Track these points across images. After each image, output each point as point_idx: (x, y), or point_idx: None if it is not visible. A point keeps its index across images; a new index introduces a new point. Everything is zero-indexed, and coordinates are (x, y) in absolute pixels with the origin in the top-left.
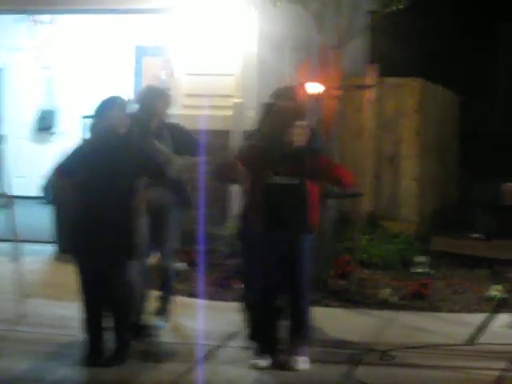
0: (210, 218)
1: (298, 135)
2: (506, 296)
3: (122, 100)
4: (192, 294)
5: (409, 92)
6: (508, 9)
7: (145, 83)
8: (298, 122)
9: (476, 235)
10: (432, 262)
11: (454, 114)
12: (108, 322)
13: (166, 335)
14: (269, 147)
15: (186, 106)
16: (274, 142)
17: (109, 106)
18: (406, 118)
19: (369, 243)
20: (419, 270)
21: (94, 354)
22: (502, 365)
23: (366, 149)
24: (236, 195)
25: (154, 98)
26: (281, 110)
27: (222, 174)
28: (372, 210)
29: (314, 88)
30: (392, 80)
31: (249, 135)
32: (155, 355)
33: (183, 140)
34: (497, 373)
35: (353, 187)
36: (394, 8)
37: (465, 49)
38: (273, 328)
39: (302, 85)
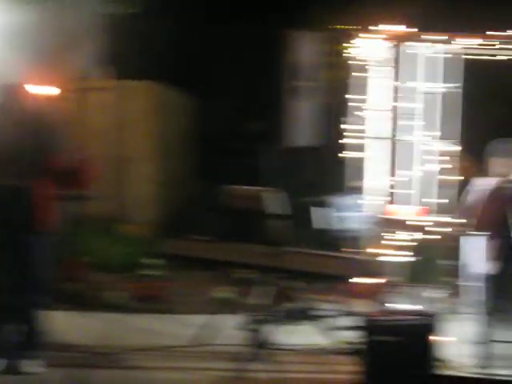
0: None
1: (14, 135)
2: (232, 297)
3: None
4: None
5: (146, 95)
6: (241, 10)
7: None
8: (19, 121)
9: (206, 237)
10: (164, 264)
11: (192, 117)
12: None
13: None
14: None
15: None
16: None
17: None
18: (143, 120)
19: (102, 246)
20: (152, 273)
21: None
22: (228, 365)
23: (102, 151)
24: None
25: None
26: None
27: None
28: (109, 212)
29: (47, 89)
30: (129, 83)
31: None
32: None
33: None
34: (222, 373)
35: (86, 189)
36: (131, 11)
37: (202, 53)
38: (4, 331)
39: (29, 84)
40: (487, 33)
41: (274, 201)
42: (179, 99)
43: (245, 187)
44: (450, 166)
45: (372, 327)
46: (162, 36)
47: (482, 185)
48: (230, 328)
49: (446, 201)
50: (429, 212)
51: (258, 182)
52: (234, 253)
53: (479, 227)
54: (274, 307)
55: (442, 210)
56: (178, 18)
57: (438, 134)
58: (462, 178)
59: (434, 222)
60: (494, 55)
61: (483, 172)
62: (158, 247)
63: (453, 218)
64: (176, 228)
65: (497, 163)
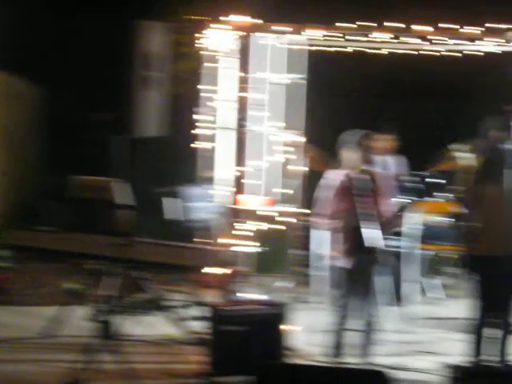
0: None
1: None
2: (80, 288)
3: None
4: None
5: None
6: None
7: None
8: None
9: (52, 228)
10: (11, 255)
11: (39, 107)
12: None
13: None
14: None
15: None
16: None
17: None
18: None
19: None
20: None
21: None
22: (76, 356)
23: None
24: None
25: None
26: None
27: None
28: None
29: None
30: None
31: None
32: None
33: None
34: (70, 364)
35: None
36: None
37: (50, 42)
38: None
39: None
40: (334, 24)
41: (122, 191)
42: (26, 89)
43: (92, 177)
44: (294, 156)
45: (219, 317)
46: (5, 24)
47: (334, 178)
48: (78, 319)
49: (291, 191)
50: (274, 202)
51: (106, 173)
52: (81, 244)
53: (331, 219)
54: (123, 298)
55: (286, 200)
56: (24, 6)
57: (283, 124)
58: (307, 168)
59: (280, 212)
60: (345, 47)
61: (335, 164)
62: (4, 238)
63: (298, 208)
64: (22, 219)
65: (347, 155)
